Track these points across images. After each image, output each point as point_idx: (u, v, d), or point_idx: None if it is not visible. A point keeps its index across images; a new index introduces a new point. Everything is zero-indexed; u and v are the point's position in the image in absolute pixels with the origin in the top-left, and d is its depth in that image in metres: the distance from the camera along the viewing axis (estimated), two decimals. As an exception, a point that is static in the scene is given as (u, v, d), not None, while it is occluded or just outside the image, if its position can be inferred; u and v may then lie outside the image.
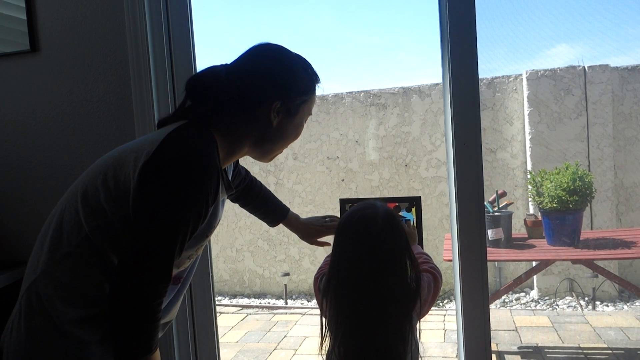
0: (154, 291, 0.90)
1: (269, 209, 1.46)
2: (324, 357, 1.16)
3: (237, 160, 1.33)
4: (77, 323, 0.95)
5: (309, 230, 1.49)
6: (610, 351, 2.88)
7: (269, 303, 4.38)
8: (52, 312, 0.95)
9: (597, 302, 3.77)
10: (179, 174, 0.92)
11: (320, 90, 1.13)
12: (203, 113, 1.03)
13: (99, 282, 0.95)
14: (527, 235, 3.37)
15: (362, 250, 1.10)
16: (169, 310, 1.12)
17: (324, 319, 1.15)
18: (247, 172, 1.43)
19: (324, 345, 1.14)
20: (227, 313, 4.07)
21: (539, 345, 3.01)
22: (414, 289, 1.12)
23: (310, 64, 1.11)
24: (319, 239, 1.50)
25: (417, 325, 1.17)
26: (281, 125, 1.07)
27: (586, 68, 3.87)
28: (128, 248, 0.90)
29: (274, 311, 4.04)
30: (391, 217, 1.14)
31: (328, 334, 1.14)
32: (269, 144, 1.09)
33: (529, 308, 3.80)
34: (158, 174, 0.92)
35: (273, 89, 1.04)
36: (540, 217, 3.27)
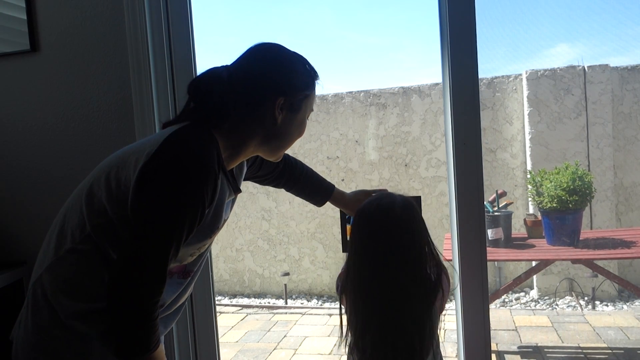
0: (149, 291, 0.91)
1: (312, 191, 1.47)
2: (347, 355, 1.15)
3: (257, 156, 1.31)
4: (79, 317, 0.97)
5: (357, 206, 1.49)
6: (610, 351, 2.88)
7: (268, 303, 4.38)
8: (56, 306, 0.98)
9: (597, 302, 3.78)
10: (175, 176, 0.92)
11: (320, 86, 1.15)
12: (205, 114, 1.04)
13: (101, 278, 0.97)
14: (526, 235, 3.37)
15: (381, 240, 1.08)
16: (176, 302, 1.13)
17: (344, 316, 1.14)
18: (282, 159, 1.40)
19: (344, 343, 1.13)
20: (227, 313, 4.07)
21: (539, 345, 3.01)
22: (434, 281, 1.10)
23: (307, 61, 1.13)
24: None
25: (439, 320, 1.15)
26: (286, 122, 1.09)
27: (586, 68, 3.87)
28: (124, 248, 0.92)
29: (274, 311, 4.04)
30: (409, 205, 1.13)
31: (348, 331, 1.12)
32: (275, 141, 1.11)
33: (529, 308, 3.81)
34: (155, 176, 0.93)
35: (276, 86, 1.06)
36: (540, 217, 3.27)
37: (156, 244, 0.91)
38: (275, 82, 1.06)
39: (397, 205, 1.11)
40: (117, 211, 0.96)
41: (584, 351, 2.89)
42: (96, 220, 0.97)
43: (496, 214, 3.21)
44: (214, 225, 1.06)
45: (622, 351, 2.87)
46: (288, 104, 1.07)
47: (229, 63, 1.10)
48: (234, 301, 4.51)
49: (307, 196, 1.49)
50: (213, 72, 1.07)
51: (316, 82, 1.13)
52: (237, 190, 1.13)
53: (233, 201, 1.16)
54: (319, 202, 1.50)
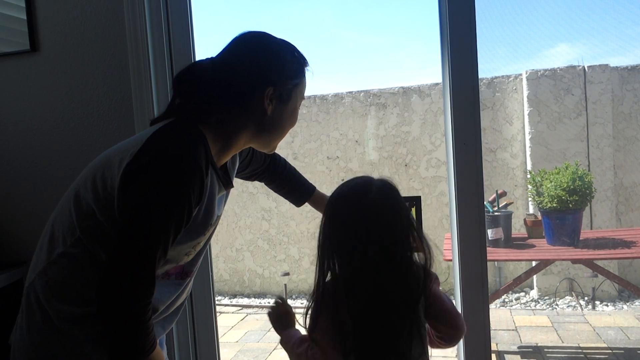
0: (137, 293, 0.88)
1: (292, 188, 1.45)
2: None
3: (250, 149, 1.29)
4: (72, 321, 0.96)
5: None
6: (610, 351, 2.88)
7: (269, 303, 4.38)
8: (49, 310, 0.97)
9: (597, 302, 3.77)
10: (158, 175, 0.90)
11: (310, 73, 1.10)
12: (191, 109, 1.01)
13: (92, 282, 0.94)
14: (527, 235, 3.37)
15: (355, 225, 0.96)
16: (174, 304, 1.12)
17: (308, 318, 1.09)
18: (269, 154, 1.39)
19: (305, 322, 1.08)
20: (227, 313, 4.07)
21: (539, 344, 3.01)
22: (423, 274, 0.98)
23: (295, 48, 1.09)
24: None
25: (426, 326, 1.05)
26: (276, 112, 1.05)
27: (586, 68, 3.87)
28: (111, 250, 0.89)
29: (274, 311, 4.04)
30: (388, 186, 1.01)
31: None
32: (266, 133, 1.08)
33: (529, 308, 3.80)
34: (138, 176, 0.91)
35: (263, 75, 1.02)
36: (540, 217, 3.27)
37: (142, 244, 0.88)
38: (262, 71, 1.02)
39: (373, 186, 0.99)
40: (105, 212, 0.94)
41: (584, 351, 2.89)
42: (85, 223, 0.95)
43: (496, 214, 3.21)
44: (206, 222, 1.04)
45: (622, 351, 2.87)
46: (277, 93, 1.03)
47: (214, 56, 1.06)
48: (234, 301, 4.51)
49: (286, 193, 1.46)
50: (197, 65, 1.04)
51: (306, 69, 1.09)
52: (229, 185, 1.10)
53: (226, 196, 1.14)
54: (298, 200, 1.47)
